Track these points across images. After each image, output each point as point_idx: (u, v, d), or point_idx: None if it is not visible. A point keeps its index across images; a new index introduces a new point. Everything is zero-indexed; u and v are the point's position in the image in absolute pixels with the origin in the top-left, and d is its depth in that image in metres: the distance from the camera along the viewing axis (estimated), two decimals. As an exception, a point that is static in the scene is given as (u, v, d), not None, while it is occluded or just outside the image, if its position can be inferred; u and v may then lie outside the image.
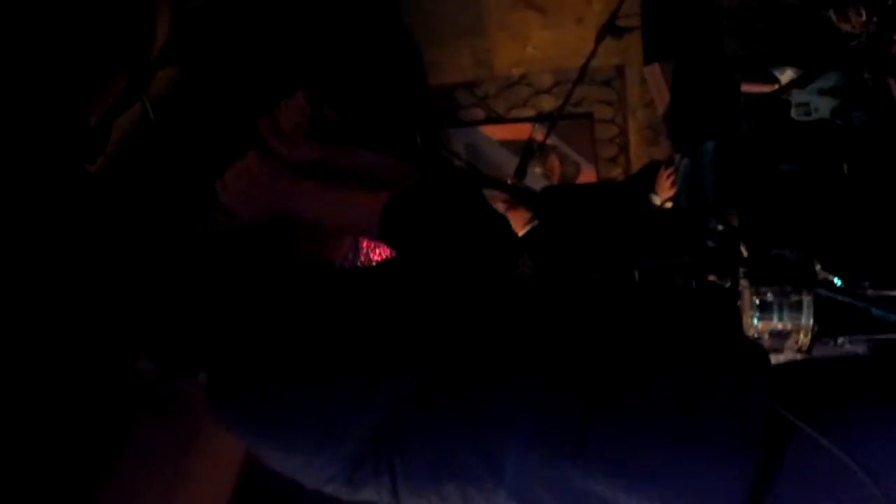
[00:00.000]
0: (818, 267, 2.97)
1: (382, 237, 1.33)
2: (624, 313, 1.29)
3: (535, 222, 4.06)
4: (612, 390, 1.14)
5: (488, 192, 4.26)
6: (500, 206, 4.15)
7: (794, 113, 3.78)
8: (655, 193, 3.96)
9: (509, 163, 4.78)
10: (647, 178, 4.01)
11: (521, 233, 4.20)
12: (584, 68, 4.01)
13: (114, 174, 2.30)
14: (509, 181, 4.35)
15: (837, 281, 2.71)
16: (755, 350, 1.29)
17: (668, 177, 3.88)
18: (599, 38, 3.90)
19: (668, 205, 3.97)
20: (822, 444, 1.11)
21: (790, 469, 1.13)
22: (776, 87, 3.84)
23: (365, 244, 4.01)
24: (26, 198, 1.97)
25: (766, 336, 3.23)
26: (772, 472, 1.12)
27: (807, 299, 2.89)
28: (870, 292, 2.74)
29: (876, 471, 1.09)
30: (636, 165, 5.04)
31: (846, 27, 3.34)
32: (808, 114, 3.74)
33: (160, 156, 2.47)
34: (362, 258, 3.92)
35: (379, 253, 4.14)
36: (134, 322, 1.36)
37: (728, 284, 3.81)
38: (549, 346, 1.20)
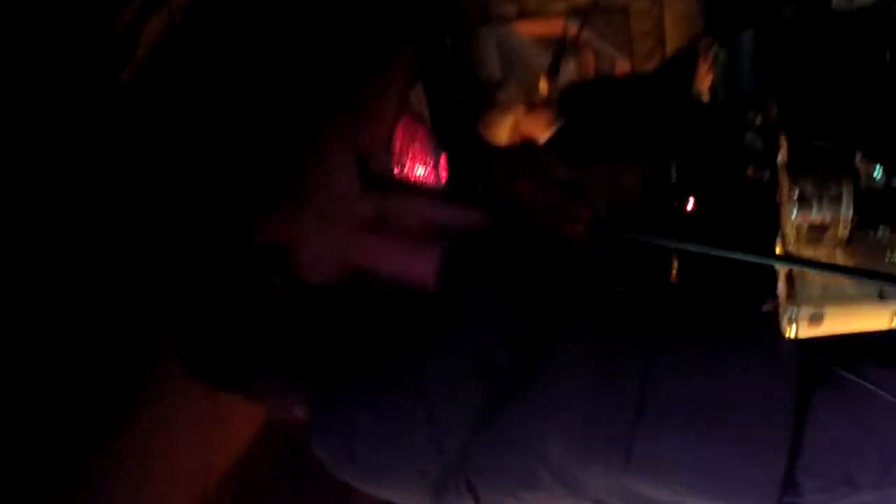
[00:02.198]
0: (858, 156, 2.92)
1: (440, 289, 1.46)
2: (653, 322, 1.46)
3: (561, 121, 4.01)
4: (649, 401, 1.30)
5: (506, 95, 4.21)
6: (521, 108, 4.10)
7: (834, 1, 3.66)
8: (695, 84, 3.89)
9: (542, 60, 4.70)
10: (685, 69, 3.93)
11: (546, 133, 4.17)
12: (618, -41, 3.90)
13: (143, 83, 2.30)
14: (543, 81, 4.28)
15: (878, 169, 2.65)
16: (781, 347, 1.48)
17: (705, 62, 3.80)
18: (633, -73, 3.78)
19: (706, 96, 3.91)
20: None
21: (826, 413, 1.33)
22: (817, -28, 3.70)
23: (399, 148, 4.01)
24: (55, 109, 1.98)
25: (804, 230, 3.20)
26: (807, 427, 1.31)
27: (846, 190, 2.84)
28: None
29: None
30: (674, 59, 4.93)
31: None
32: (850, 0, 3.62)
33: (187, 63, 2.46)
34: (400, 162, 3.93)
35: (416, 164, 4.14)
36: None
37: (766, 177, 3.77)
38: (587, 368, 1.37)
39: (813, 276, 3.11)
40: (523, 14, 5.17)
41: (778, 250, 3.76)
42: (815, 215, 3.01)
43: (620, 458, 1.29)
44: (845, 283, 3.02)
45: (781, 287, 3.38)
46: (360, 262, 1.55)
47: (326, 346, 1.49)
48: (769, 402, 1.31)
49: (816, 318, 3.25)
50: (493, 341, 1.36)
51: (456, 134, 4.51)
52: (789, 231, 3.39)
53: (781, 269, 3.67)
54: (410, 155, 4.13)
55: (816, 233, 3.22)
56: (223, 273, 1.57)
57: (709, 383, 1.33)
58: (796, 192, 2.98)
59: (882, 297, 2.88)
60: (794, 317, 3.24)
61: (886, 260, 3.22)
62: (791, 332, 3.33)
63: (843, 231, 3.16)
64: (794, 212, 3.15)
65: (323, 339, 1.49)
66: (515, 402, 1.34)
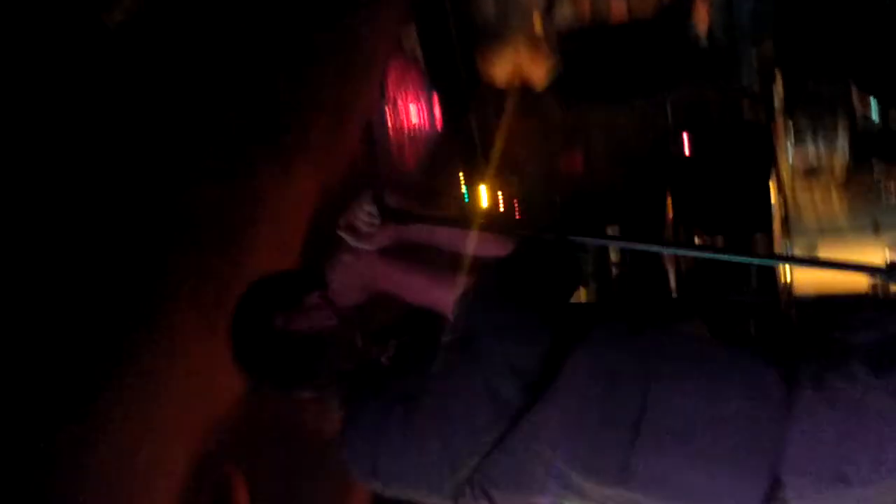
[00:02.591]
0: (855, 93, 2.91)
1: (457, 321, 1.57)
2: (649, 337, 1.54)
3: (560, 69, 4.00)
4: (647, 418, 1.42)
5: (509, 37, 4.17)
6: (523, 50, 4.07)
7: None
8: (692, 23, 3.86)
9: (536, 1, 4.64)
10: (682, 8, 3.90)
11: (545, 79, 4.14)
12: None
13: (133, 29, 2.27)
14: (537, 20, 4.24)
15: (874, 102, 2.65)
16: (770, 350, 1.50)
17: (702, 0, 3.77)
18: None
19: (704, 36, 3.87)
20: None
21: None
22: None
23: (392, 89, 3.98)
24: (42, 51, 1.96)
25: (800, 170, 3.20)
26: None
27: (842, 125, 2.84)
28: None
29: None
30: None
31: None
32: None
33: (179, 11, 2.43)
34: (393, 103, 3.91)
35: (409, 105, 4.11)
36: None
37: (763, 117, 3.76)
38: (589, 389, 1.47)
39: (808, 211, 3.12)
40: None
41: (773, 191, 3.76)
42: (811, 151, 3.01)
43: (619, 472, 1.44)
44: (839, 217, 3.03)
45: (777, 225, 3.39)
46: (383, 288, 1.70)
47: (359, 361, 1.67)
48: (757, 408, 1.42)
49: (811, 252, 3.26)
50: (501, 373, 1.49)
51: (450, 74, 4.47)
52: (785, 172, 3.39)
53: (777, 209, 3.67)
54: (403, 96, 4.11)
55: (812, 173, 3.22)
56: (269, 291, 1.74)
57: (701, 396, 1.44)
58: (792, 129, 2.98)
59: (876, 231, 2.89)
60: (788, 252, 3.25)
61: (883, 202, 3.22)
62: (786, 274, 3.35)
63: (839, 170, 3.16)
64: (790, 149, 3.15)
65: (356, 355, 1.68)
66: (523, 424, 1.49)
